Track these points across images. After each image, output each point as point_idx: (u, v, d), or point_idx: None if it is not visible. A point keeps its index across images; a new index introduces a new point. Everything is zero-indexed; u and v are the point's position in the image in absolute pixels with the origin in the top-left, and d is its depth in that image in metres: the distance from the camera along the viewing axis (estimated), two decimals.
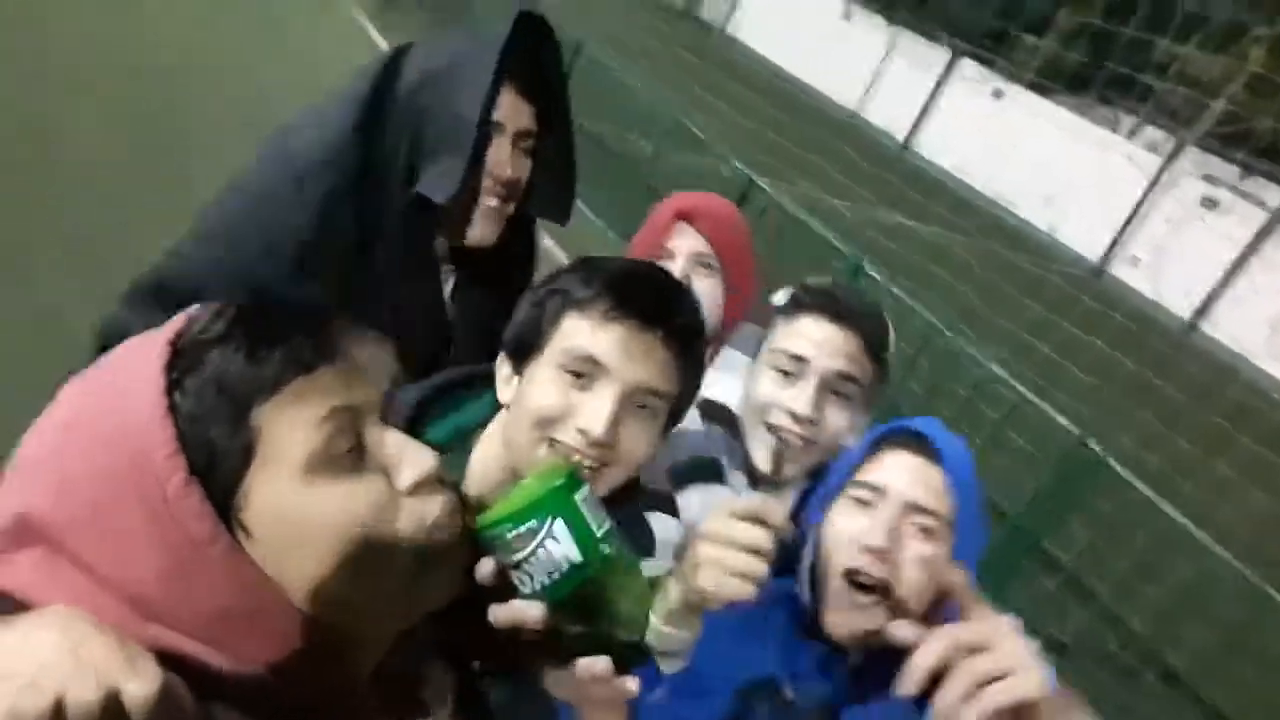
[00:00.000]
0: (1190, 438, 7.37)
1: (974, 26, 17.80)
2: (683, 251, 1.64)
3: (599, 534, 0.79)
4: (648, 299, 1.00)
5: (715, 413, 1.48)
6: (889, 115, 18.39)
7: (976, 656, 0.78)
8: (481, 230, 1.38)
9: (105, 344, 1.18)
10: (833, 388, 1.36)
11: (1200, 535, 4.15)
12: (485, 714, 0.89)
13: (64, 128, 4.79)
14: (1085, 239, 15.98)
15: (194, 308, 0.67)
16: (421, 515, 0.68)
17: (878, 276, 5.22)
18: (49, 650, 0.54)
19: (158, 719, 0.54)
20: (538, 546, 0.77)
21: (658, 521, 1.30)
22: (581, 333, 0.99)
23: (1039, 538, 4.65)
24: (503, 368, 1.07)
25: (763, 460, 1.39)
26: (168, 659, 0.58)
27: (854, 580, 1.11)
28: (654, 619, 0.82)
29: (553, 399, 0.99)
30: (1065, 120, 16.77)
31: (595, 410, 0.97)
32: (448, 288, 1.46)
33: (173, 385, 0.62)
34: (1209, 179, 15.19)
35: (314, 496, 0.64)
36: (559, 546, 0.77)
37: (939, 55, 18.00)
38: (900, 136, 18.17)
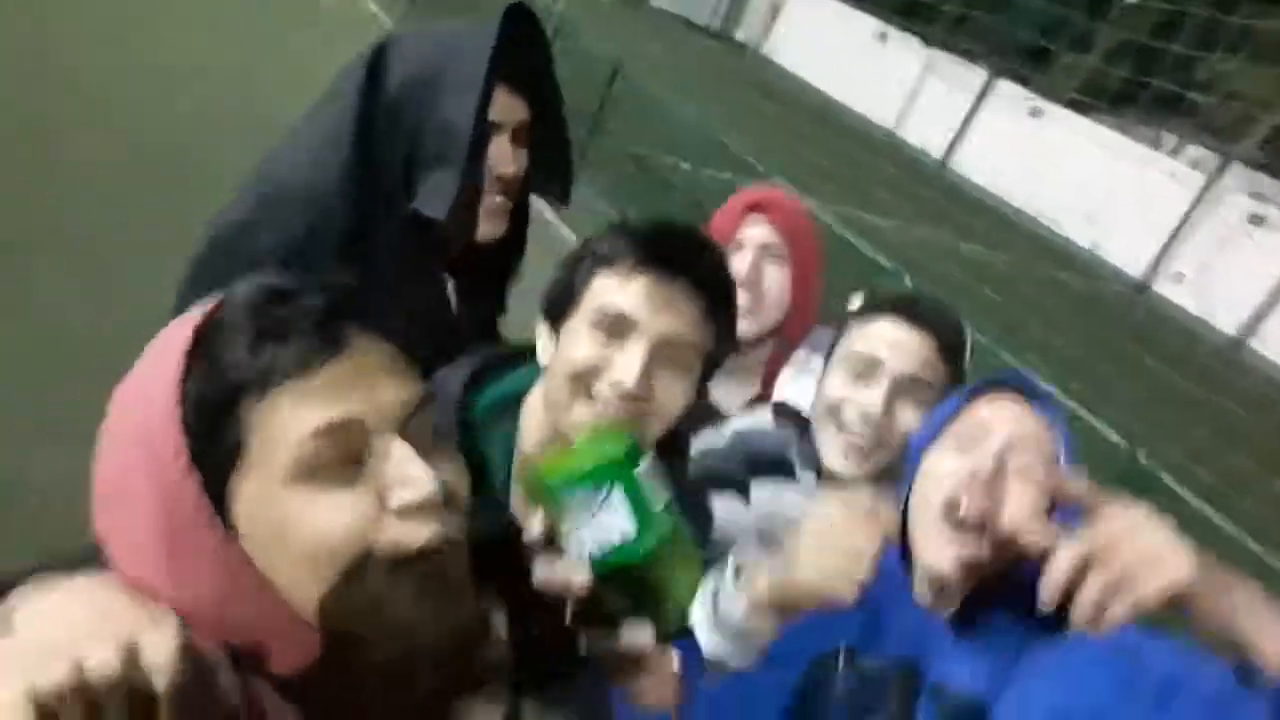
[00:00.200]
0: (1246, 453, 7.21)
1: (1011, 46, 17.69)
2: (753, 242, 1.68)
3: (658, 508, 0.78)
4: (671, 251, 1.01)
5: (787, 415, 1.50)
6: (926, 134, 18.30)
7: (1111, 554, 0.74)
8: (488, 227, 1.41)
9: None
10: (905, 391, 1.35)
11: (1255, 548, 4.07)
12: (540, 687, 0.88)
13: (64, 128, 4.72)
14: (1128, 256, 15.71)
15: (231, 287, 0.67)
16: (403, 539, 0.64)
17: None
18: (77, 611, 0.56)
19: (183, 679, 0.53)
20: (594, 514, 0.76)
21: (723, 503, 1.31)
22: (610, 289, 1.01)
23: None
24: (541, 330, 1.09)
25: (833, 460, 1.39)
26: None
27: (953, 516, 1.06)
28: (736, 608, 0.78)
29: (586, 352, 1.00)
30: (1105, 138, 16.55)
31: (626, 364, 0.98)
32: (450, 286, 1.48)
33: (188, 370, 0.62)
34: (1256, 196, 14.91)
35: (295, 504, 0.62)
36: (615, 517, 0.76)
37: (976, 76, 17.93)
38: (938, 155, 18.06)
